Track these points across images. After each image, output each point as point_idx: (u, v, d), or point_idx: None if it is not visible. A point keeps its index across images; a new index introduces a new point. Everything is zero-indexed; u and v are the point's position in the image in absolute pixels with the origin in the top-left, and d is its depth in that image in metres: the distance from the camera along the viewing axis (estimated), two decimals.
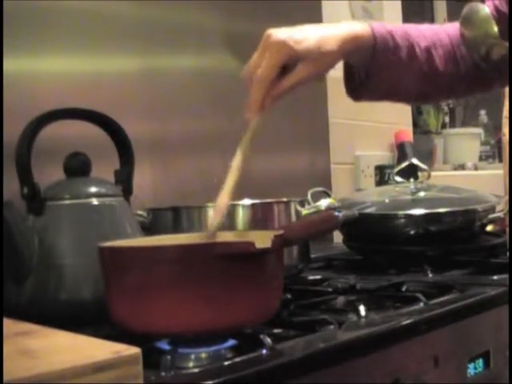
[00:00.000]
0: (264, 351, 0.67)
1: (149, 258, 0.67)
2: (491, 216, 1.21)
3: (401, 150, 1.83)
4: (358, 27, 0.89)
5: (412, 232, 1.18)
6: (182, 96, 1.32)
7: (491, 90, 1.07)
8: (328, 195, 1.25)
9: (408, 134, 1.93)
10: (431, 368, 0.83)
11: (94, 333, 0.62)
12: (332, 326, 0.76)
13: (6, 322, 0.64)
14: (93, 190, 0.87)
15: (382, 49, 0.90)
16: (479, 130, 2.31)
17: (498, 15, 0.92)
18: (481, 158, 2.29)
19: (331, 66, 0.87)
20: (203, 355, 0.67)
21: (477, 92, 1.05)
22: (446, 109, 2.38)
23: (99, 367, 0.50)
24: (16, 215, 0.80)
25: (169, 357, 0.63)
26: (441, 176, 1.83)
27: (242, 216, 1.00)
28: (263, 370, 0.63)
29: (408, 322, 0.81)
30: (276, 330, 0.77)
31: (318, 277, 1.13)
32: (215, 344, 0.68)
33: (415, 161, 1.41)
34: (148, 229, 0.99)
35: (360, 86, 0.95)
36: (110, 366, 0.50)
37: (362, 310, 0.82)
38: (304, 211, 1.08)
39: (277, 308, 0.73)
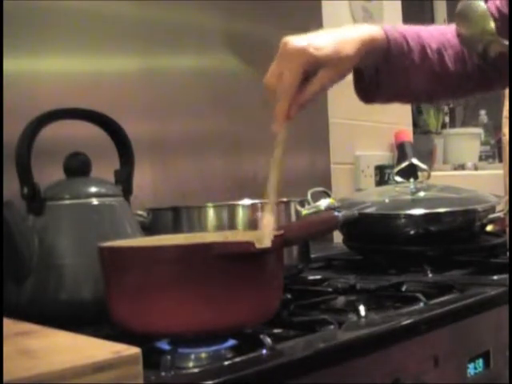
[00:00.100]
0: (264, 351, 0.67)
1: (149, 258, 0.67)
2: (491, 216, 1.21)
3: (401, 150, 1.83)
4: (373, 30, 0.89)
5: (412, 232, 1.18)
6: (182, 96, 1.32)
7: (497, 90, 1.07)
8: (328, 195, 1.25)
9: (408, 134, 1.93)
10: (431, 368, 0.83)
11: (94, 333, 0.62)
12: (332, 326, 0.76)
13: (6, 322, 0.64)
14: (93, 190, 0.87)
15: (396, 53, 0.91)
16: (479, 130, 2.31)
17: (500, 16, 0.92)
18: (481, 158, 2.29)
19: (350, 69, 0.88)
20: (203, 355, 0.67)
21: (483, 91, 1.05)
22: (445, 109, 2.38)
23: (99, 367, 0.50)
24: (16, 215, 0.80)
25: (169, 357, 0.63)
26: (441, 176, 1.83)
27: (242, 216, 1.00)
28: (263, 369, 0.63)
29: (408, 322, 0.81)
30: (276, 330, 0.77)
31: (318, 277, 1.13)
32: (215, 344, 0.68)
33: (415, 161, 1.42)
34: (148, 229, 0.99)
35: (371, 89, 0.95)
36: (110, 365, 0.50)
37: (362, 309, 0.82)
38: (304, 211, 1.09)
39: (277, 308, 0.73)
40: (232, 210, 1.00)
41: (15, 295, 0.82)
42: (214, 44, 1.40)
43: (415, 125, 2.17)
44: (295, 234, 0.82)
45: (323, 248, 1.38)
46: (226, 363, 0.64)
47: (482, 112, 2.40)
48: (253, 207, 1.01)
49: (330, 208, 1.15)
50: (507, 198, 1.21)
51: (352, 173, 1.79)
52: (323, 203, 1.15)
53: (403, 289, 0.97)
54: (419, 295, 0.90)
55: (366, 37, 0.87)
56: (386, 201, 1.27)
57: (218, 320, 0.66)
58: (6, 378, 0.46)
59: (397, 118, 1.92)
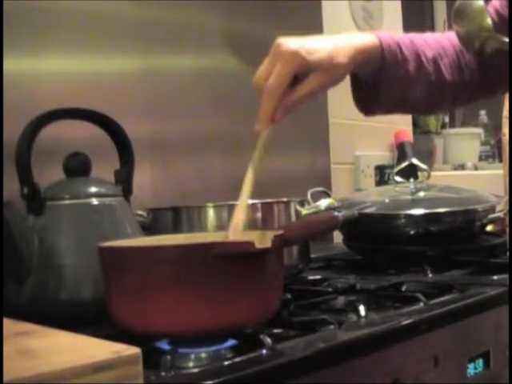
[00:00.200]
0: (264, 351, 0.67)
1: (149, 258, 0.67)
2: (491, 216, 1.21)
3: (401, 150, 1.83)
4: (367, 39, 0.89)
5: (412, 232, 1.18)
6: (182, 96, 1.33)
7: (494, 97, 1.07)
8: (328, 195, 1.25)
9: (408, 134, 1.93)
10: (431, 368, 0.83)
11: (94, 333, 0.62)
12: (332, 326, 0.76)
13: (6, 322, 0.64)
14: (93, 189, 0.87)
15: (391, 62, 0.90)
16: (479, 130, 2.31)
17: (499, 19, 0.92)
18: (481, 158, 2.29)
19: (343, 77, 0.86)
20: (203, 355, 0.67)
21: (480, 99, 1.05)
22: None
23: (99, 367, 0.50)
24: (16, 215, 0.80)
25: (169, 357, 0.63)
26: (441, 176, 1.83)
27: None
28: (263, 369, 0.63)
29: (408, 321, 0.81)
30: (276, 330, 0.77)
31: (318, 277, 1.13)
32: (215, 344, 0.68)
33: (415, 161, 1.42)
34: (148, 229, 0.99)
35: (370, 100, 0.95)
36: (110, 365, 0.50)
37: (362, 310, 0.82)
38: (304, 211, 1.09)
39: (277, 308, 0.73)
40: (232, 210, 1.00)
41: (15, 295, 0.82)
42: (214, 44, 1.40)
43: (415, 125, 2.17)
44: (295, 234, 0.82)
45: (323, 248, 1.38)
46: (226, 363, 0.64)
47: (482, 112, 2.40)
48: (253, 207, 1.01)
49: (330, 208, 1.15)
50: (507, 197, 1.21)
51: (352, 173, 1.80)
52: (323, 203, 1.15)
53: (403, 289, 0.97)
54: (419, 295, 0.90)
55: (360, 45, 0.87)
56: (386, 201, 1.27)
57: (218, 320, 0.66)
58: (5, 377, 0.46)
59: (397, 118, 1.92)
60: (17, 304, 0.81)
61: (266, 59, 0.83)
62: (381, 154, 1.88)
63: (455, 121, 2.54)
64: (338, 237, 1.43)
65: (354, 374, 0.73)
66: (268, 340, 0.67)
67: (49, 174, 0.89)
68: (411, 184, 1.30)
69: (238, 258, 0.66)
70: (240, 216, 0.77)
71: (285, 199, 1.06)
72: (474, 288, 0.98)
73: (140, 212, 1.02)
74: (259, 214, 1.03)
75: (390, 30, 1.73)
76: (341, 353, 0.72)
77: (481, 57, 0.94)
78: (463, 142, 2.23)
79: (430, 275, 1.09)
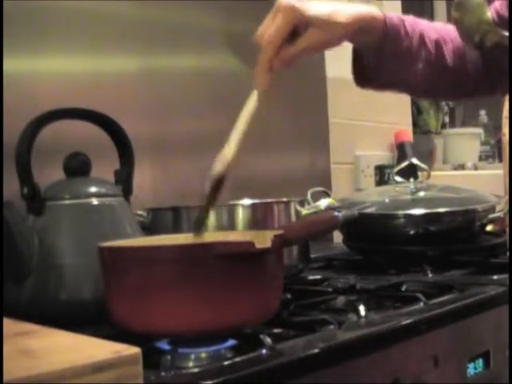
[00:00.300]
0: (264, 351, 0.67)
1: (149, 258, 0.67)
2: (491, 216, 1.21)
3: (401, 150, 1.83)
4: (372, 9, 0.89)
5: (412, 232, 1.18)
6: (182, 96, 1.32)
7: (494, 95, 1.07)
8: (328, 195, 1.25)
9: (408, 134, 1.93)
10: (431, 368, 0.83)
11: (94, 333, 0.62)
12: (332, 326, 0.76)
13: (6, 322, 0.64)
14: (93, 190, 0.87)
15: (392, 35, 0.91)
16: (479, 130, 2.31)
17: (500, 20, 0.92)
18: (481, 158, 2.29)
19: (340, 38, 0.87)
20: (203, 355, 0.67)
21: (482, 94, 1.05)
22: (445, 109, 2.38)
23: (99, 367, 0.50)
24: (16, 215, 0.80)
25: (169, 357, 0.63)
26: (441, 176, 1.83)
27: (241, 216, 1.00)
28: (263, 369, 0.63)
29: (408, 321, 0.81)
30: (276, 330, 0.77)
31: (318, 277, 1.13)
32: (215, 344, 0.68)
33: (415, 161, 1.42)
34: (148, 229, 0.99)
35: (367, 72, 0.95)
36: (109, 365, 0.50)
37: (362, 310, 0.82)
38: (304, 211, 1.08)
39: (277, 308, 0.73)
40: (232, 210, 1.00)
41: (15, 295, 0.82)
42: (214, 44, 1.40)
43: (415, 125, 2.17)
44: (295, 233, 0.82)
45: (323, 248, 1.38)
46: (226, 363, 0.64)
47: (482, 112, 2.40)
48: (253, 207, 1.01)
49: (329, 208, 1.15)
50: (507, 197, 1.21)
51: (352, 173, 1.79)
52: (323, 203, 1.15)
53: (403, 289, 0.97)
54: (419, 295, 0.90)
55: (363, 12, 0.87)
56: (386, 201, 1.27)
57: (218, 320, 0.66)
58: (5, 377, 0.46)
59: (397, 118, 1.92)
60: (17, 304, 0.81)
61: (268, 15, 0.85)
62: (381, 154, 1.87)
63: (455, 121, 2.54)
64: (338, 237, 1.43)
65: (354, 374, 0.73)
66: (268, 340, 0.67)
67: (49, 174, 0.89)
68: (411, 184, 1.30)
69: (238, 257, 0.66)
70: (229, 149, 0.78)
71: (285, 199, 1.06)
72: (473, 288, 0.98)
73: (140, 212, 1.02)
74: (259, 214, 1.03)
75: None
76: (341, 353, 0.72)
77: (481, 50, 0.94)
78: (463, 141, 2.23)
79: (430, 275, 1.09)
